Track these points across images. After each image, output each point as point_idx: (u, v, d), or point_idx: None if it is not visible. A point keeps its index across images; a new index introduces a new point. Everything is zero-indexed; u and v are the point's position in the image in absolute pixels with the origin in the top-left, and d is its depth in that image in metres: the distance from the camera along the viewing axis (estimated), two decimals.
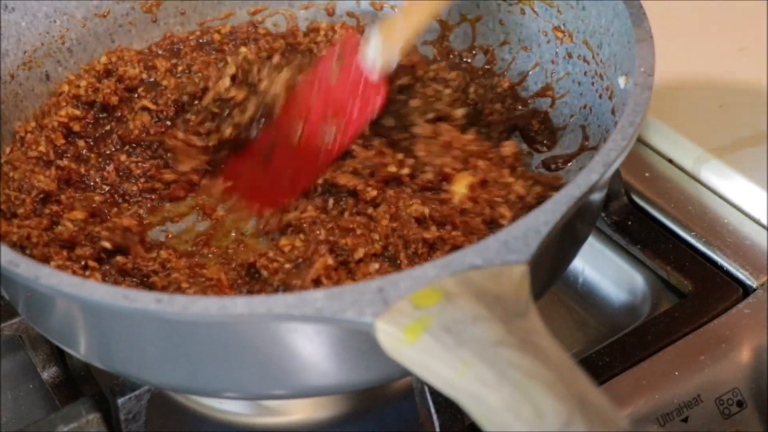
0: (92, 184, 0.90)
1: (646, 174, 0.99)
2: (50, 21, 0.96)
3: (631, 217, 0.95)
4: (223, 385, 0.72)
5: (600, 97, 0.87)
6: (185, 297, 0.61)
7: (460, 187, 0.82)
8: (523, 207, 0.81)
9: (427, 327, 0.58)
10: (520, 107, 0.96)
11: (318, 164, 0.86)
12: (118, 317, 0.67)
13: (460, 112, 0.90)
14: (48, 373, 0.88)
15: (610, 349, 0.84)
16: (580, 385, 0.56)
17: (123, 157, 0.92)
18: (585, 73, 0.91)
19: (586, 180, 0.67)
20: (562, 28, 0.93)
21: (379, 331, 0.59)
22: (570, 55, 0.93)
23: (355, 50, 0.87)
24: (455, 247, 0.78)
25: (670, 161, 1.00)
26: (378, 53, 0.85)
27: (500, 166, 0.84)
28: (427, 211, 0.80)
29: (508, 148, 0.86)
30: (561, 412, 0.54)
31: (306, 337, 0.66)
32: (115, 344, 0.72)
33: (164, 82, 0.97)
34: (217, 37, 1.03)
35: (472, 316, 0.58)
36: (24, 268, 0.65)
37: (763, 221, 0.93)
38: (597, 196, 0.80)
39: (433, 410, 0.76)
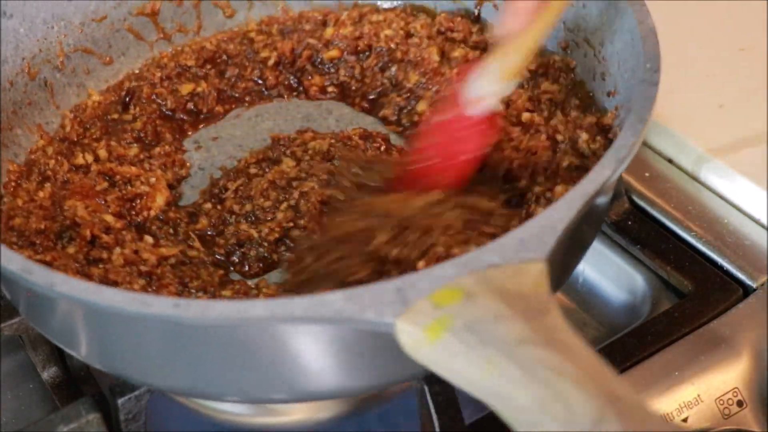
0: None
1: (646, 174, 0.99)
2: (48, 27, 0.95)
3: (631, 217, 0.95)
4: (227, 388, 0.71)
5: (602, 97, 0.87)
6: (203, 302, 0.61)
7: None
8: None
9: (448, 326, 0.57)
10: None
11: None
12: (121, 320, 0.67)
13: None
14: (48, 373, 0.88)
15: (610, 349, 0.84)
16: (609, 380, 0.55)
17: None
18: (586, 73, 0.90)
19: (599, 176, 0.67)
20: (563, 26, 0.93)
21: (399, 332, 0.59)
22: (570, 57, 0.93)
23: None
24: None
25: (670, 161, 1.00)
26: (495, 81, 0.78)
27: None
28: None
29: None
30: (592, 409, 0.53)
31: (316, 341, 0.66)
32: (117, 346, 0.71)
33: None
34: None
35: (494, 315, 0.58)
36: (23, 267, 0.65)
37: (763, 221, 0.93)
38: (604, 198, 0.80)
39: (433, 410, 0.76)
